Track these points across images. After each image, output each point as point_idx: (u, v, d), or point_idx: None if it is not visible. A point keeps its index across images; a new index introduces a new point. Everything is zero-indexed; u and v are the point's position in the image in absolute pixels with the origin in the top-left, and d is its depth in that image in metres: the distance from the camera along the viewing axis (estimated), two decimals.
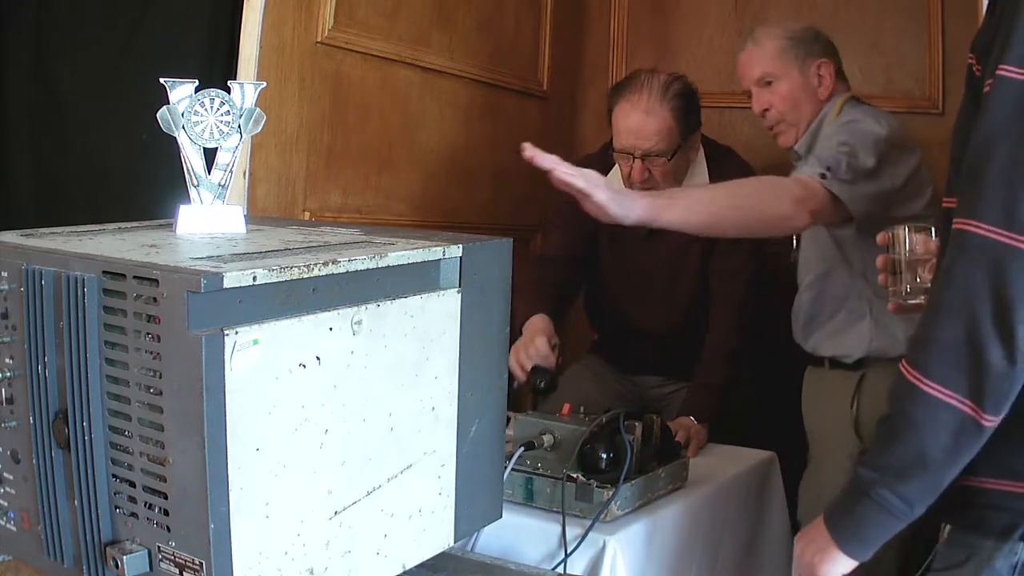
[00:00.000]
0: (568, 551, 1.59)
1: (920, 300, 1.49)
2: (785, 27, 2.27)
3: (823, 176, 1.89)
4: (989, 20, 1.23)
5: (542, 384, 2.24)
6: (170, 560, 1.00)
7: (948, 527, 1.27)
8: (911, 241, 1.52)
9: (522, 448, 1.67)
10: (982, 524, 1.23)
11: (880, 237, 1.55)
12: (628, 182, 2.37)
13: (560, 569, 1.57)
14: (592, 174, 1.59)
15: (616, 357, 2.67)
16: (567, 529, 1.62)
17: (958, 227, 1.16)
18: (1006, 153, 1.13)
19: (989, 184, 1.14)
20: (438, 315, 1.21)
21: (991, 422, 1.14)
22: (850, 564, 1.24)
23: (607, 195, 1.56)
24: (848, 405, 2.14)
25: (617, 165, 2.43)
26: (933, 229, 1.50)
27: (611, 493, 1.63)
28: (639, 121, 2.30)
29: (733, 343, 2.35)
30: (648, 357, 2.59)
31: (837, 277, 2.19)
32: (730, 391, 2.32)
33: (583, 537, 1.60)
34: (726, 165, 2.42)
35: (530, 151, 1.44)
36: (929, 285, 1.41)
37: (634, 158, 2.31)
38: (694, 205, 1.73)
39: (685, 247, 2.43)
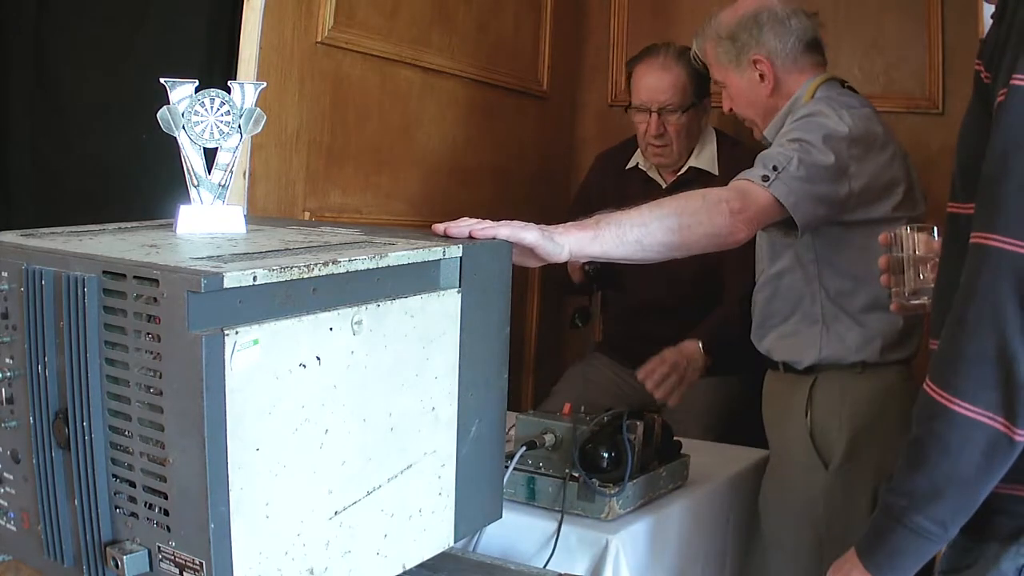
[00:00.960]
0: (554, 549, 1.59)
1: (923, 300, 1.48)
2: (720, 25, 2.10)
3: (765, 179, 1.78)
4: (997, 27, 1.21)
5: (590, 270, 2.47)
6: (170, 560, 1.00)
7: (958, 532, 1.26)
8: (913, 240, 1.51)
9: (524, 448, 1.67)
10: (989, 528, 1.21)
11: (882, 237, 1.54)
12: (643, 141, 2.58)
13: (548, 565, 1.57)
14: (513, 222, 1.53)
15: (619, 347, 2.69)
16: (570, 529, 1.62)
17: (977, 241, 1.14)
18: (1023, 165, 1.11)
19: (1008, 197, 1.12)
20: (438, 315, 1.21)
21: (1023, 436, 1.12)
22: None
23: (535, 235, 1.51)
24: (803, 413, 2.04)
25: (637, 152, 2.64)
26: (935, 228, 1.49)
27: (613, 492, 1.63)
28: (656, 77, 2.51)
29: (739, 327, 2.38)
30: (651, 341, 2.60)
31: (791, 278, 2.06)
32: (739, 342, 2.34)
33: (556, 533, 1.60)
34: (737, 151, 2.58)
35: (440, 227, 1.42)
36: (932, 285, 1.40)
37: (651, 112, 2.51)
38: (624, 233, 1.64)
39: None
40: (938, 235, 1.47)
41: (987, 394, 1.12)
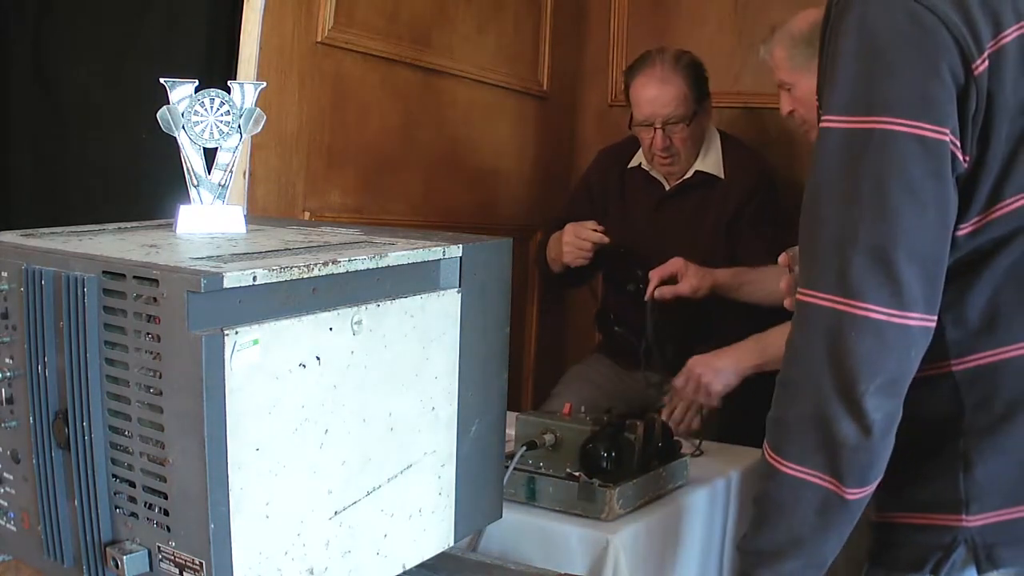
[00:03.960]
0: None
1: None
2: (793, 28, 2.15)
3: None
4: (820, 62, 1.19)
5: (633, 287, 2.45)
6: (170, 560, 1.00)
7: (867, 565, 1.25)
8: None
9: (524, 448, 1.67)
10: (895, 560, 1.21)
11: (782, 258, 1.48)
12: (649, 153, 2.55)
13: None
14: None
15: (620, 347, 2.69)
16: (570, 529, 1.62)
17: (798, 298, 1.12)
18: (834, 213, 1.09)
19: (821, 249, 1.10)
20: (438, 315, 1.21)
21: (855, 495, 1.11)
22: None
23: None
24: None
25: (640, 151, 2.61)
26: None
27: (613, 492, 1.63)
28: (656, 90, 2.45)
29: None
30: (654, 336, 2.59)
31: None
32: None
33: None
34: (742, 153, 2.60)
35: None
36: None
37: (655, 128, 2.46)
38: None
39: (698, 219, 2.56)
40: None
41: (813, 456, 1.10)
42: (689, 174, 2.57)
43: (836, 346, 1.07)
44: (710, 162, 2.57)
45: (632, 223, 2.61)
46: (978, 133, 1.09)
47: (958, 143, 1.08)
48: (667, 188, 2.62)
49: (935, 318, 1.10)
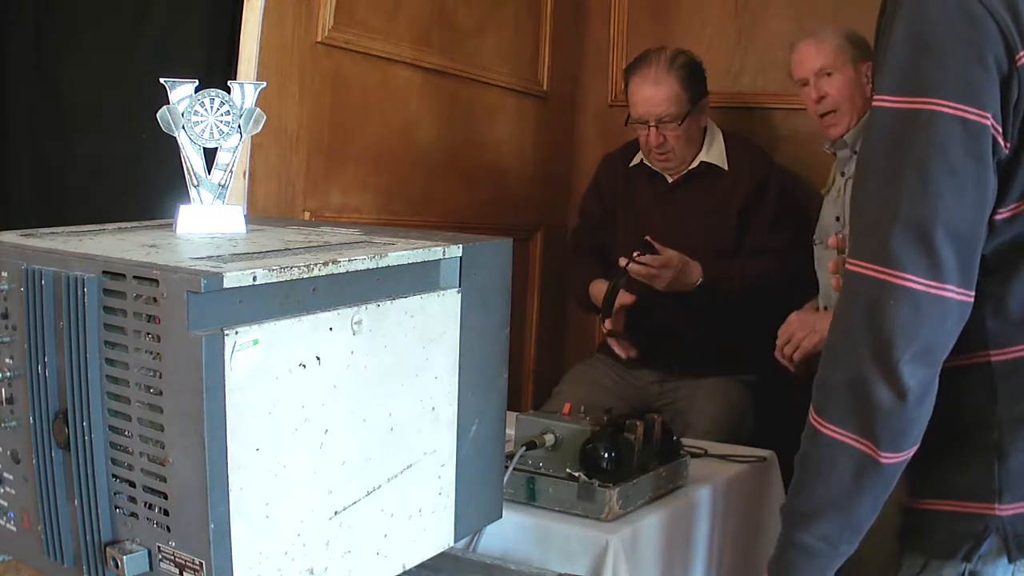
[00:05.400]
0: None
1: None
2: (839, 28, 2.39)
3: None
4: (876, 52, 1.24)
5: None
6: (170, 560, 1.00)
7: (899, 552, 1.27)
8: None
9: (524, 448, 1.67)
10: (926, 547, 1.23)
11: (832, 240, 1.53)
12: (646, 148, 2.65)
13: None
14: None
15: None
16: (570, 529, 1.62)
17: (845, 268, 1.17)
18: (879, 188, 1.13)
19: (866, 220, 1.15)
20: (438, 315, 1.21)
21: (890, 459, 1.13)
22: None
23: None
24: None
25: (640, 152, 2.70)
26: None
27: (613, 492, 1.63)
28: (650, 91, 2.55)
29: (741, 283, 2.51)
30: (654, 341, 2.60)
31: None
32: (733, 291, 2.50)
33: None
34: (745, 147, 2.69)
35: None
36: None
37: (649, 125, 2.56)
38: None
39: (706, 206, 2.63)
40: None
41: (851, 418, 1.14)
42: (695, 164, 2.65)
43: (875, 313, 1.11)
44: (714, 154, 2.65)
45: (640, 214, 2.69)
46: (1019, 122, 1.13)
47: (1000, 129, 1.12)
48: (669, 181, 2.68)
49: (972, 293, 1.13)
